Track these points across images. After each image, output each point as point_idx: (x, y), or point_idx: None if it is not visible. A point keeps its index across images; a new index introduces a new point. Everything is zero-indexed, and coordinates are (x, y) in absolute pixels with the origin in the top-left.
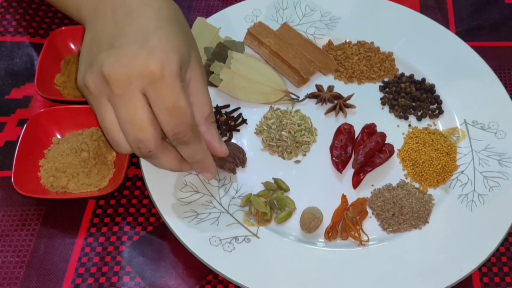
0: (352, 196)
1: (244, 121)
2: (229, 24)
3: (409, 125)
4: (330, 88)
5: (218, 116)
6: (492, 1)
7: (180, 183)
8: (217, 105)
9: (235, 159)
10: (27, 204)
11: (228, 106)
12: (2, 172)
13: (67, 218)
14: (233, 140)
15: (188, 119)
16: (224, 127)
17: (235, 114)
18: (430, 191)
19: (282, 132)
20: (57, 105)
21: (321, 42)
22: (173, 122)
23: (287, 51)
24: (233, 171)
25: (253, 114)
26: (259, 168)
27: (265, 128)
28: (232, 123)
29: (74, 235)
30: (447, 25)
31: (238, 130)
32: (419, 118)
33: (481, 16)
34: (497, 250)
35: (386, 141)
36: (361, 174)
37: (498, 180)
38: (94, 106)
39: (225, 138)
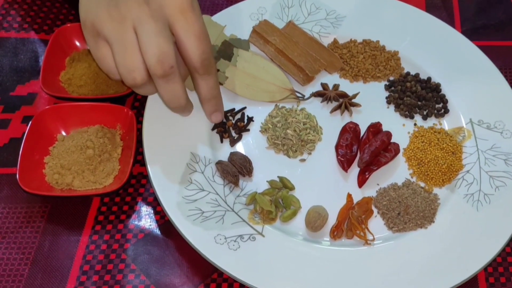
0: (358, 195)
1: (250, 119)
2: (234, 22)
3: (415, 124)
4: (336, 86)
5: (225, 120)
6: (498, 0)
7: (185, 181)
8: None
9: (242, 169)
10: (32, 201)
11: (233, 110)
12: (7, 169)
13: (72, 215)
14: None
15: (210, 45)
16: (233, 129)
17: (239, 114)
18: (436, 190)
19: (288, 131)
20: (62, 102)
21: (326, 41)
22: (202, 47)
23: (292, 49)
24: (236, 183)
25: (259, 113)
26: (264, 167)
27: (270, 127)
28: (242, 124)
29: (79, 233)
30: (452, 24)
31: (248, 130)
32: (424, 117)
33: (486, 15)
34: (503, 250)
35: (392, 140)
36: (366, 173)
37: (504, 179)
38: (119, 30)
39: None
